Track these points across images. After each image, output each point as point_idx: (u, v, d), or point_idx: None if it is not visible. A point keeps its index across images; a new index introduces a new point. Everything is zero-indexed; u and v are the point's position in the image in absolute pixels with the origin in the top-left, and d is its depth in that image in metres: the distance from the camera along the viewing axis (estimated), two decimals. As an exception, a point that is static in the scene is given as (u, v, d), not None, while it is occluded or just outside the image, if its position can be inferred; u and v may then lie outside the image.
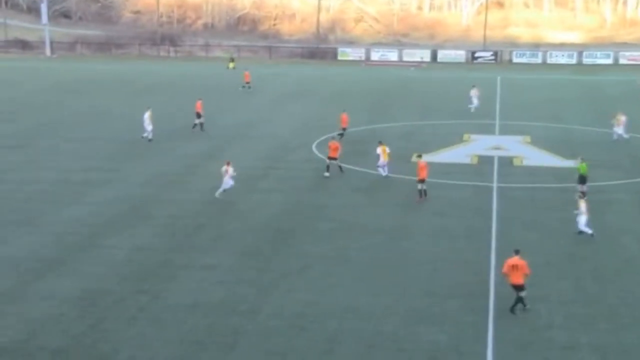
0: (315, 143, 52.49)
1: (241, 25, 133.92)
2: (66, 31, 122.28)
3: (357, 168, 45.75)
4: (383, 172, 43.59)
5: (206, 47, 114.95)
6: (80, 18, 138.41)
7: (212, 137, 54.97)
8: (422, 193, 39.85)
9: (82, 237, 34.33)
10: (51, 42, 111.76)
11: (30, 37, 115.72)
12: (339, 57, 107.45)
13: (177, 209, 38.41)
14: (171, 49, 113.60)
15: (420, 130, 58.05)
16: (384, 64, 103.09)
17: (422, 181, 39.88)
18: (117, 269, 30.67)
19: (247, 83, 77.29)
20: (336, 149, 44.21)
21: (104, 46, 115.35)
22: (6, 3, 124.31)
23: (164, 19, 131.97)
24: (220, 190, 39.29)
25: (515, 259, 26.67)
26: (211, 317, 26.41)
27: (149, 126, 52.86)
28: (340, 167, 44.27)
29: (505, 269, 26.72)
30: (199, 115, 56.81)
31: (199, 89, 77.38)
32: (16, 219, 36.57)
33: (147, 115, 53.14)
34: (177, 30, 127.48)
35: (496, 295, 28.11)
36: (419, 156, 41.82)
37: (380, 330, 25.54)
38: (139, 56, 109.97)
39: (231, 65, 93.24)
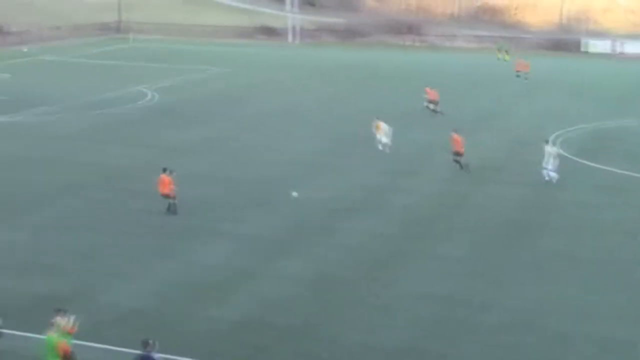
0: (553, 137, 50.74)
1: (481, 15, 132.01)
2: (310, 18, 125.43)
3: (599, 165, 43.80)
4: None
5: (450, 37, 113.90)
6: (324, 6, 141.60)
7: (449, 128, 54.35)
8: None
9: (318, 220, 34.98)
10: (295, 29, 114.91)
11: (276, 24, 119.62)
12: (584, 49, 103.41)
13: (412, 198, 38.33)
14: (414, 38, 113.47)
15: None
16: (635, 57, 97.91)
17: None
18: (351, 254, 30.99)
19: (519, 72, 76.48)
20: (459, 142, 42.23)
21: (346, 34, 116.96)
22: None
23: (407, 7, 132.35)
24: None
25: None
26: (440, 308, 26.13)
27: (382, 138, 46.86)
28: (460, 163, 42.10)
29: None
30: (432, 102, 58.05)
31: (441, 79, 77.35)
32: (256, 200, 37.79)
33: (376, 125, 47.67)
34: (420, 19, 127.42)
35: None
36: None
37: (614, 334, 24.30)
38: (381, 45, 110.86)
39: (506, 57, 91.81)
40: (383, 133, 46.52)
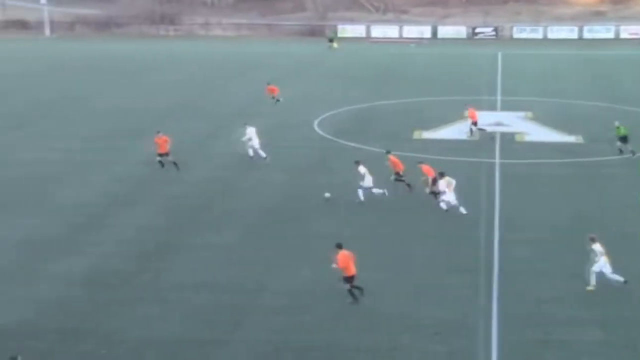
0: (317, 120, 52.47)
1: (242, 3, 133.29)
2: (65, 10, 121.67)
3: (360, 145, 45.74)
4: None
5: (206, 25, 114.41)
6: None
7: (212, 117, 54.87)
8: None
9: (88, 217, 34.48)
10: (50, 22, 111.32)
11: (29, 17, 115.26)
12: (340, 34, 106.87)
13: (179, 188, 38.48)
14: (170, 27, 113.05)
15: (421, 106, 57.95)
16: (385, 41, 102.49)
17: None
18: (123, 248, 30.86)
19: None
20: (165, 142, 41.37)
21: (103, 26, 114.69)
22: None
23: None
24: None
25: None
26: (216, 296, 26.64)
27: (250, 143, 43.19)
28: (175, 163, 41.12)
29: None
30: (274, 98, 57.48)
31: (198, 68, 77.51)
32: (20, 200, 36.71)
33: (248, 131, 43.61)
34: (176, 8, 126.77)
35: (500, 271, 28.28)
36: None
37: (384, 308, 25.71)
38: (138, 35, 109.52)
39: (334, 45, 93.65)
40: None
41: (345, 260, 25.76)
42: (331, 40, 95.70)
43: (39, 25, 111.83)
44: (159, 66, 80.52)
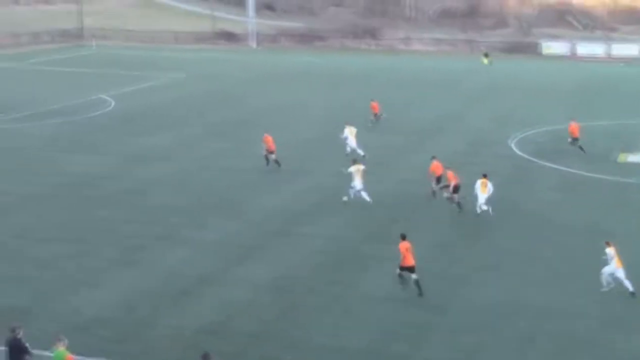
0: (516, 139, 51.39)
1: (444, 18, 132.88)
2: (270, 23, 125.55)
3: (556, 166, 44.47)
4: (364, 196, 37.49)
5: (406, 40, 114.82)
6: (284, 10, 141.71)
7: (407, 131, 54.83)
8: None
9: (278, 225, 35.19)
10: (256, 34, 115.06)
11: (236, 29, 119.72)
12: (544, 52, 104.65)
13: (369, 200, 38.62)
14: (372, 41, 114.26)
15: (628, 129, 55.50)
16: (591, 59, 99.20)
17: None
18: (311, 257, 31.23)
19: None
20: (272, 141, 44.15)
21: (305, 38, 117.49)
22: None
23: (366, 11, 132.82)
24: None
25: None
26: (402, 310, 26.43)
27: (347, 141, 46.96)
28: (277, 161, 44.06)
29: None
30: (376, 116, 56.44)
31: (397, 81, 77.86)
32: (217, 205, 37.94)
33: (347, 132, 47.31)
34: (378, 23, 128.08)
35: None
36: (433, 157, 38.96)
37: (575, 334, 24.76)
38: (340, 48, 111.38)
39: (486, 60, 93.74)
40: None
41: (403, 250, 27.46)
42: (486, 55, 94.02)
43: (245, 37, 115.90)
44: (359, 79, 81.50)
